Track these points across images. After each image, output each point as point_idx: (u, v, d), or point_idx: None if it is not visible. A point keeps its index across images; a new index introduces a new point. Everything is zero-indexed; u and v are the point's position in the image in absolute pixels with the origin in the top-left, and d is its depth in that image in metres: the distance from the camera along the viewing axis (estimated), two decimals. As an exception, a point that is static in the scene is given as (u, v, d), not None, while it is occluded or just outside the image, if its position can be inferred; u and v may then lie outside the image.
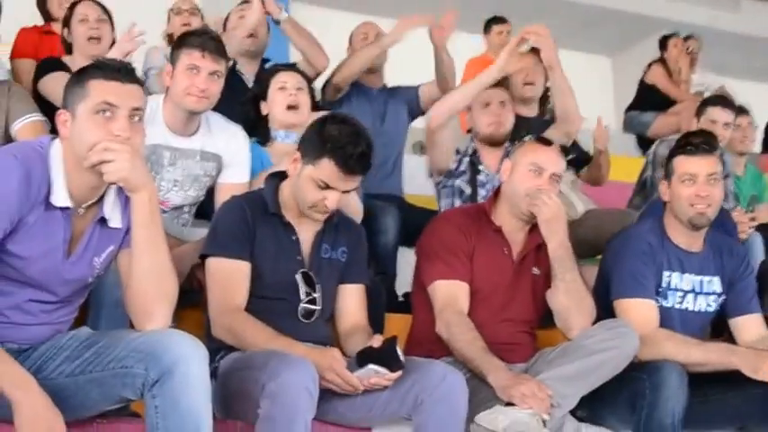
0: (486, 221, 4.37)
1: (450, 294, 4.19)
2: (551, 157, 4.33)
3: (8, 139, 4.32)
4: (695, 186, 4.40)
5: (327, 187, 3.81)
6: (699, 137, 4.65)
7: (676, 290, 4.47)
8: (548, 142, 4.48)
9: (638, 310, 4.30)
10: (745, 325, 4.46)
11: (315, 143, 3.83)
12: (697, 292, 4.51)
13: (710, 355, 4.20)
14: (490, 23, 9.13)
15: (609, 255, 4.50)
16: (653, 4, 12.20)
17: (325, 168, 3.78)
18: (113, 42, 5.69)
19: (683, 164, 4.47)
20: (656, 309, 4.36)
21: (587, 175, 6.26)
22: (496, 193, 4.48)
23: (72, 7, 5.78)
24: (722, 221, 4.87)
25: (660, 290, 4.43)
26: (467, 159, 5.45)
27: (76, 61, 5.33)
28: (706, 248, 4.55)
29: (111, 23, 5.77)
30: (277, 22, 6.03)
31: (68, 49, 5.74)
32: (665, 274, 4.46)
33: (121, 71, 3.14)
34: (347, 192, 3.89)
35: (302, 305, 3.95)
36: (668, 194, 4.52)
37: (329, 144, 3.77)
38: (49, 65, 5.53)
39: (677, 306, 4.46)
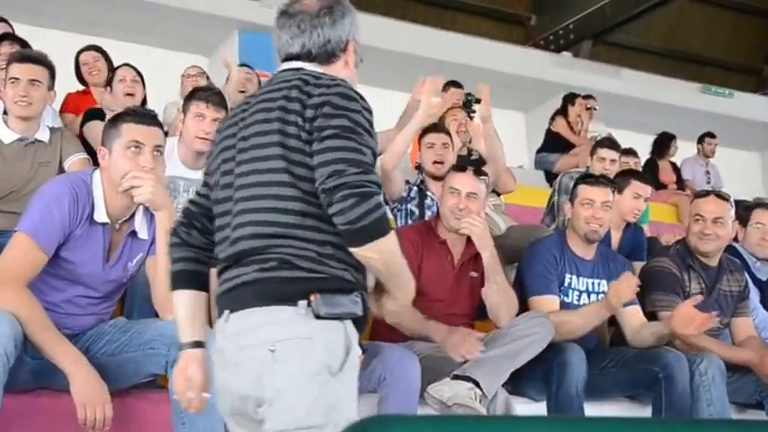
0: (433, 235, 4.35)
1: None
2: (464, 179, 4.31)
3: (61, 171, 4.34)
4: (592, 209, 4.43)
5: None
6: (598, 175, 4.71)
7: (574, 289, 4.47)
8: (462, 168, 4.46)
9: (544, 305, 4.29)
10: (628, 314, 4.41)
11: None
12: (590, 291, 4.50)
13: (587, 316, 4.25)
14: (448, 85, 9.02)
15: (522, 261, 4.50)
16: (554, 71, 12.32)
17: None
18: (145, 97, 5.83)
19: (585, 191, 4.50)
20: (557, 302, 4.36)
21: (499, 186, 5.92)
22: (438, 213, 4.46)
23: (114, 70, 5.89)
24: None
25: (562, 288, 4.44)
26: (415, 188, 5.43)
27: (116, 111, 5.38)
28: (597, 257, 4.56)
29: (143, 83, 5.84)
30: None
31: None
32: (567, 276, 4.47)
33: (147, 117, 3.21)
34: None
35: None
36: (570, 212, 4.55)
37: None
38: (92, 114, 5.62)
39: (575, 302, 4.45)
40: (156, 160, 3.17)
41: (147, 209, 3.24)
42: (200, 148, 4.48)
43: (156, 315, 3.34)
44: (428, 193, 5.39)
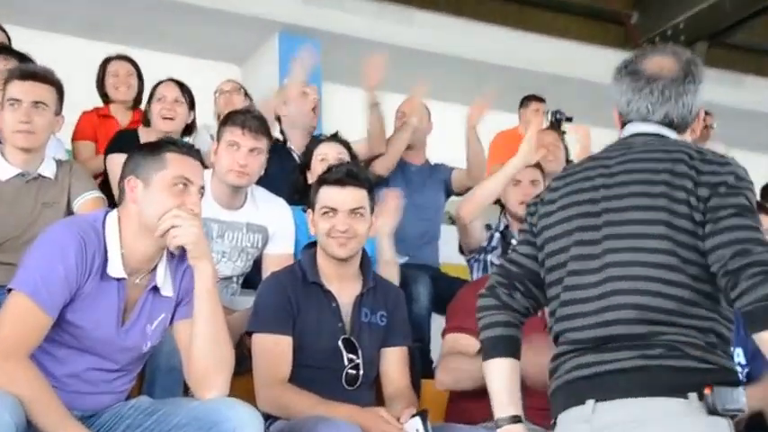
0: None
1: (456, 344, 4.11)
2: None
3: (69, 213, 4.27)
4: None
5: (332, 210, 3.88)
6: None
7: None
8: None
9: None
10: None
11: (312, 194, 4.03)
12: None
13: None
14: (528, 100, 8.90)
15: None
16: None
17: (322, 194, 3.94)
18: (193, 122, 5.81)
19: None
20: None
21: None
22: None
23: (156, 86, 5.82)
24: None
25: None
26: (497, 234, 5.42)
27: (150, 135, 5.25)
28: None
29: (191, 104, 5.78)
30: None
31: (147, 122, 5.75)
32: None
33: (192, 149, 3.24)
34: (354, 211, 3.89)
35: (346, 371, 3.87)
36: None
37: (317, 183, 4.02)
38: (123, 138, 5.49)
39: None
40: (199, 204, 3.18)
41: (172, 260, 3.21)
42: (235, 182, 4.45)
43: (186, 391, 3.30)
44: (513, 241, 5.28)
